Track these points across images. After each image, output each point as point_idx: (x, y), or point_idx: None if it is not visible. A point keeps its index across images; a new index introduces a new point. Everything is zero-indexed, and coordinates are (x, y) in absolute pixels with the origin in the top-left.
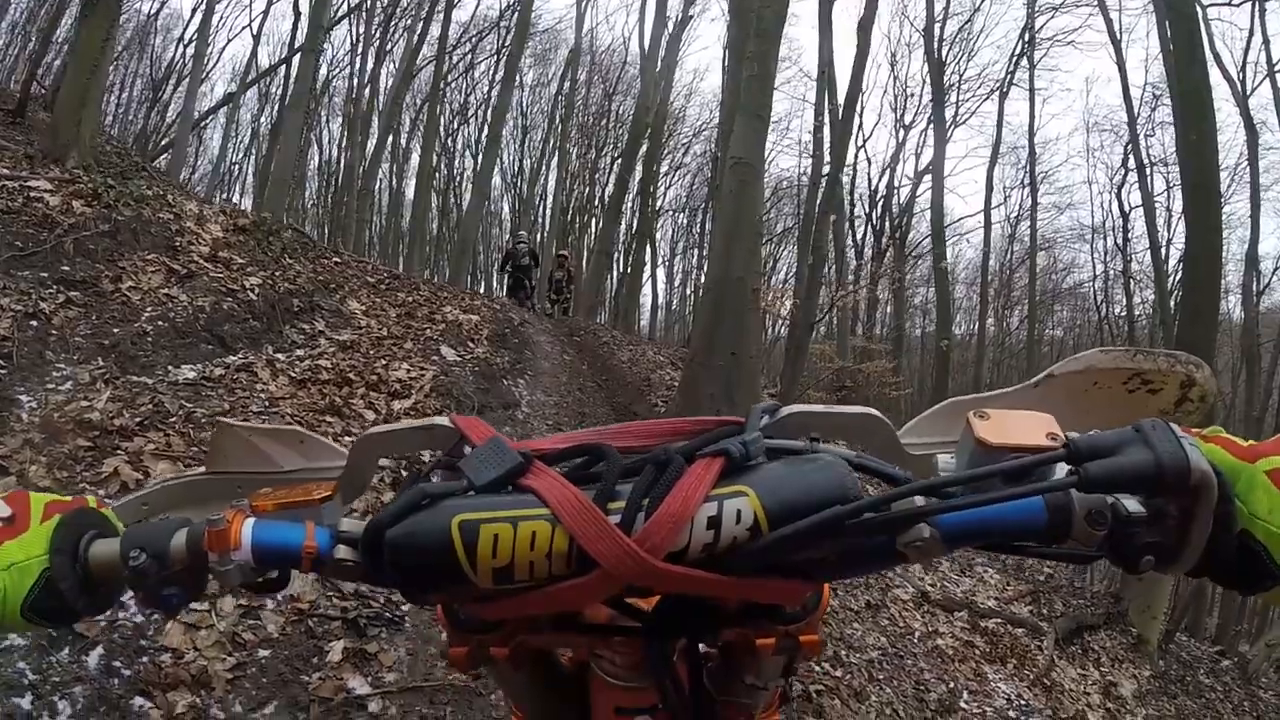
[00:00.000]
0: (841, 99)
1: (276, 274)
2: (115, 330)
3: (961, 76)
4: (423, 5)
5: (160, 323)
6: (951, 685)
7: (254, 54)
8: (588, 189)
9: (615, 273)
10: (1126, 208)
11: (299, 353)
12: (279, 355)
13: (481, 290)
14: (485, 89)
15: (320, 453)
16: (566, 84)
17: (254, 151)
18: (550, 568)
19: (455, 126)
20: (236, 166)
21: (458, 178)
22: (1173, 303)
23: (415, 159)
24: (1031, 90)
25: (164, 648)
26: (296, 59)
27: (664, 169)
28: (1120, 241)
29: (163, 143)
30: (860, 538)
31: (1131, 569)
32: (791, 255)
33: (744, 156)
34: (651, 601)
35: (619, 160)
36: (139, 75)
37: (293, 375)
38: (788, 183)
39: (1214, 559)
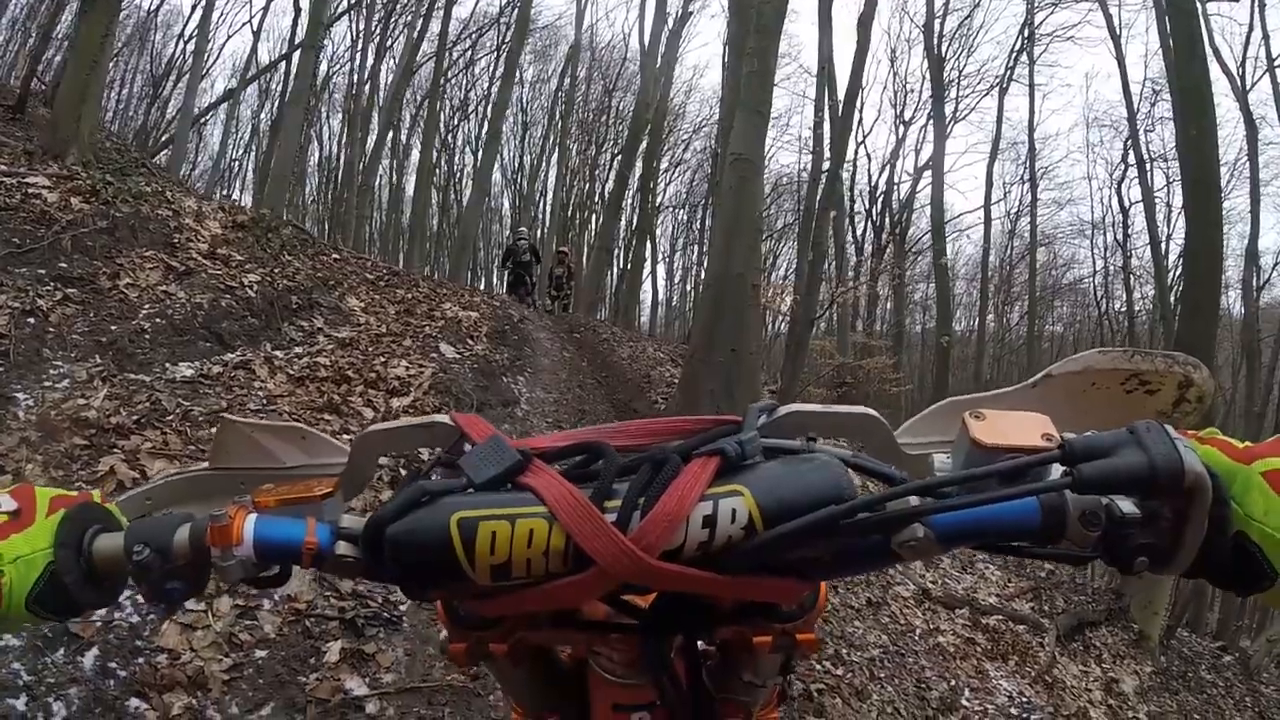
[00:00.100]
0: (841, 95)
1: (275, 271)
2: (113, 327)
3: (961, 72)
4: (423, 1)
5: (158, 320)
6: (953, 683)
7: (254, 50)
8: (588, 185)
9: (615, 269)
10: (1126, 203)
11: (297, 350)
12: (277, 352)
13: (481, 286)
14: (485, 85)
15: (322, 449)
16: (566, 80)
17: (254, 148)
18: (547, 565)
19: (455, 123)
20: (237, 163)
21: (458, 174)
22: (1173, 298)
23: (415, 155)
24: (1031, 86)
25: (160, 648)
26: (296, 55)
27: (664, 165)
28: (1120, 237)
29: (163, 139)
30: (855, 537)
31: (1126, 570)
32: (791, 251)
33: (744, 152)
34: (649, 599)
35: (619, 156)
36: (139, 71)
37: (291, 373)
38: (788, 179)
39: (1209, 560)
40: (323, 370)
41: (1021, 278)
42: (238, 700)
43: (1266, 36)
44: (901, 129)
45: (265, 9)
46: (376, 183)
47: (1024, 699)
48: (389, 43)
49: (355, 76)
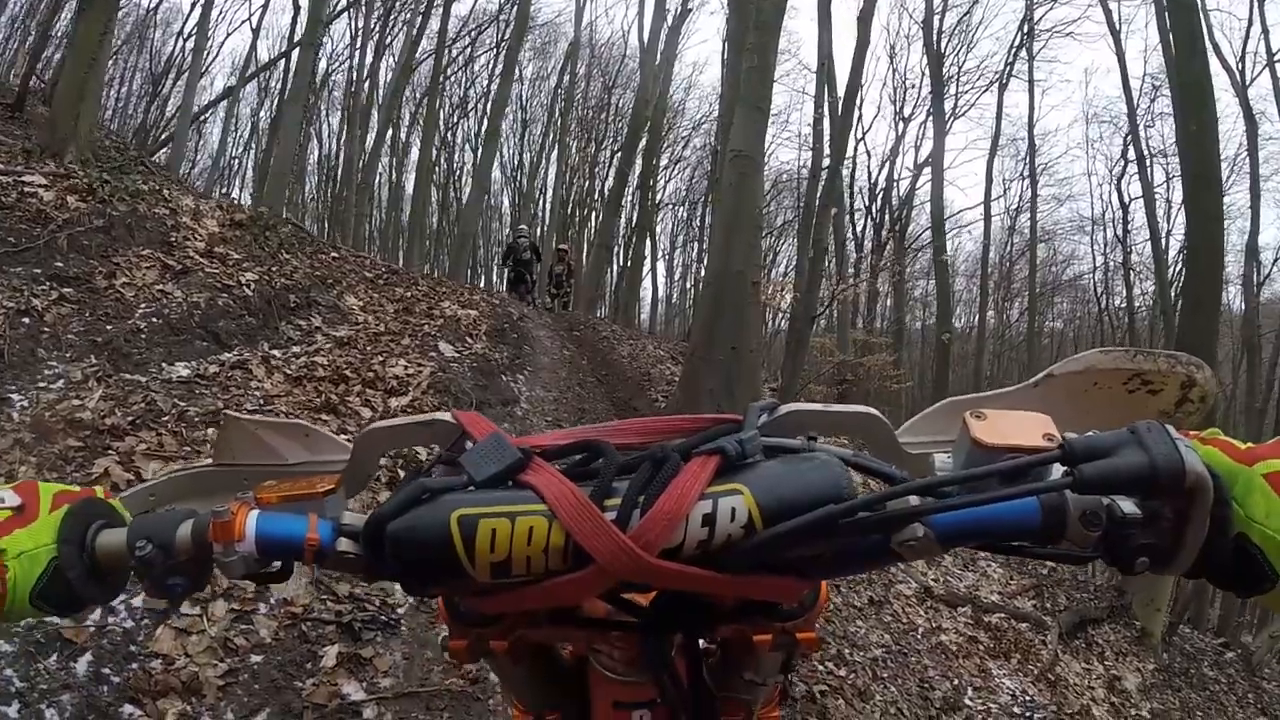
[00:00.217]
0: (841, 91)
1: (273, 269)
2: (108, 327)
3: (961, 68)
4: None
5: (154, 319)
6: (956, 682)
7: (253, 48)
8: (587, 182)
9: (615, 266)
10: (1126, 199)
11: (295, 349)
12: (275, 352)
13: (481, 284)
14: (485, 83)
15: (324, 446)
16: (566, 77)
17: (254, 146)
18: (547, 563)
19: (455, 120)
20: (236, 161)
21: (457, 171)
22: (1173, 293)
23: (415, 153)
24: (1031, 82)
25: (154, 654)
26: (296, 53)
27: (663, 162)
28: (1120, 233)
29: (162, 137)
30: (855, 536)
31: (1126, 570)
32: (791, 248)
33: (744, 149)
34: (649, 597)
35: (618, 154)
36: (139, 69)
37: (288, 372)
38: (787, 175)
39: (1210, 561)
40: (320, 370)
41: (1021, 274)
42: (233, 706)
43: (1266, 31)
44: (901, 125)
45: (264, 6)
46: (376, 180)
47: (1027, 697)
48: (388, 40)
49: (354, 74)
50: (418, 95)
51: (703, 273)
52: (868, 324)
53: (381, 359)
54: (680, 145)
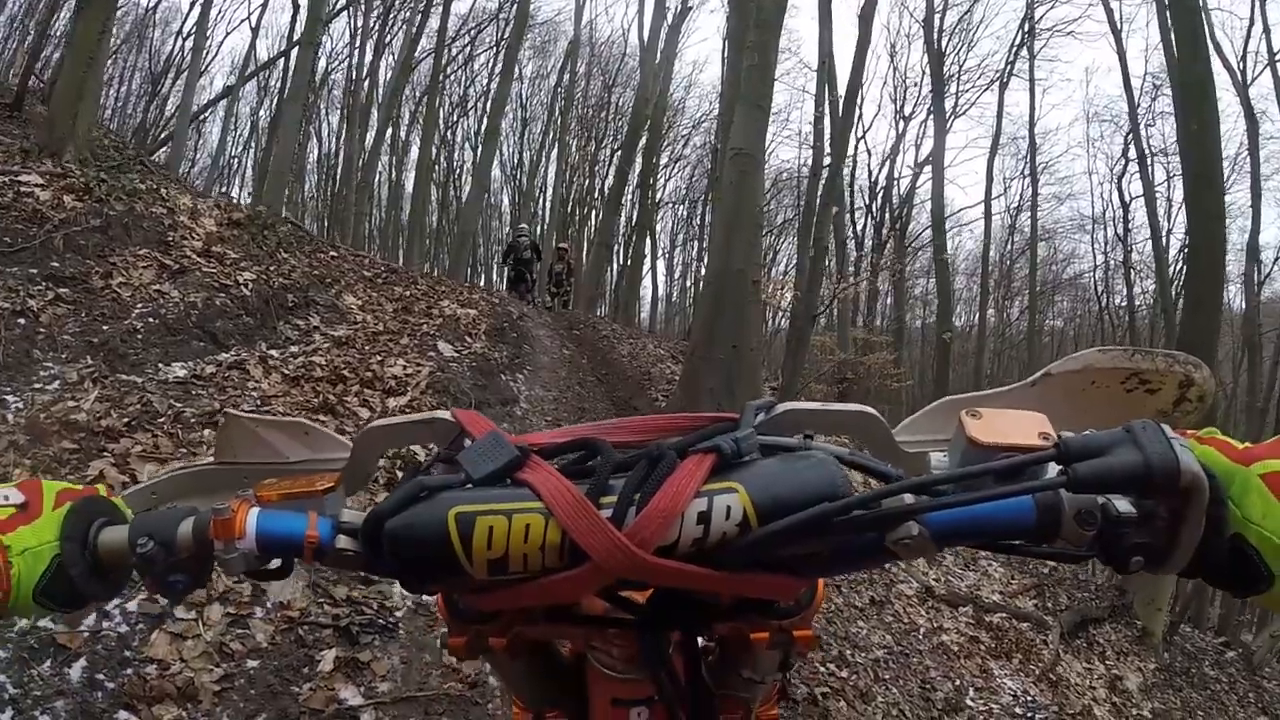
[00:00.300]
0: (841, 90)
1: (271, 269)
2: (105, 328)
3: (961, 67)
4: None
5: (151, 320)
6: (958, 683)
7: (252, 47)
8: (587, 181)
9: (615, 265)
10: (1127, 198)
11: (293, 349)
12: (272, 352)
13: (481, 283)
14: (484, 81)
15: (324, 444)
16: (566, 76)
17: (253, 145)
18: (544, 560)
19: (454, 119)
20: (236, 160)
21: (457, 170)
22: (1174, 291)
23: (414, 152)
24: (1031, 81)
25: (149, 659)
26: (295, 52)
27: (663, 161)
28: (1121, 231)
29: (162, 136)
30: (849, 535)
31: (1121, 569)
32: (791, 247)
33: (744, 147)
34: (646, 595)
35: (618, 152)
36: (138, 69)
37: (286, 372)
38: (787, 174)
39: (1206, 561)
40: (318, 370)
41: (1022, 273)
42: (229, 712)
43: (1267, 30)
44: (901, 124)
45: (264, 6)
46: (375, 179)
47: (1029, 698)
48: (388, 39)
49: (354, 73)
50: (417, 94)
51: (703, 271)
52: (868, 322)
53: (380, 359)
54: (680, 143)
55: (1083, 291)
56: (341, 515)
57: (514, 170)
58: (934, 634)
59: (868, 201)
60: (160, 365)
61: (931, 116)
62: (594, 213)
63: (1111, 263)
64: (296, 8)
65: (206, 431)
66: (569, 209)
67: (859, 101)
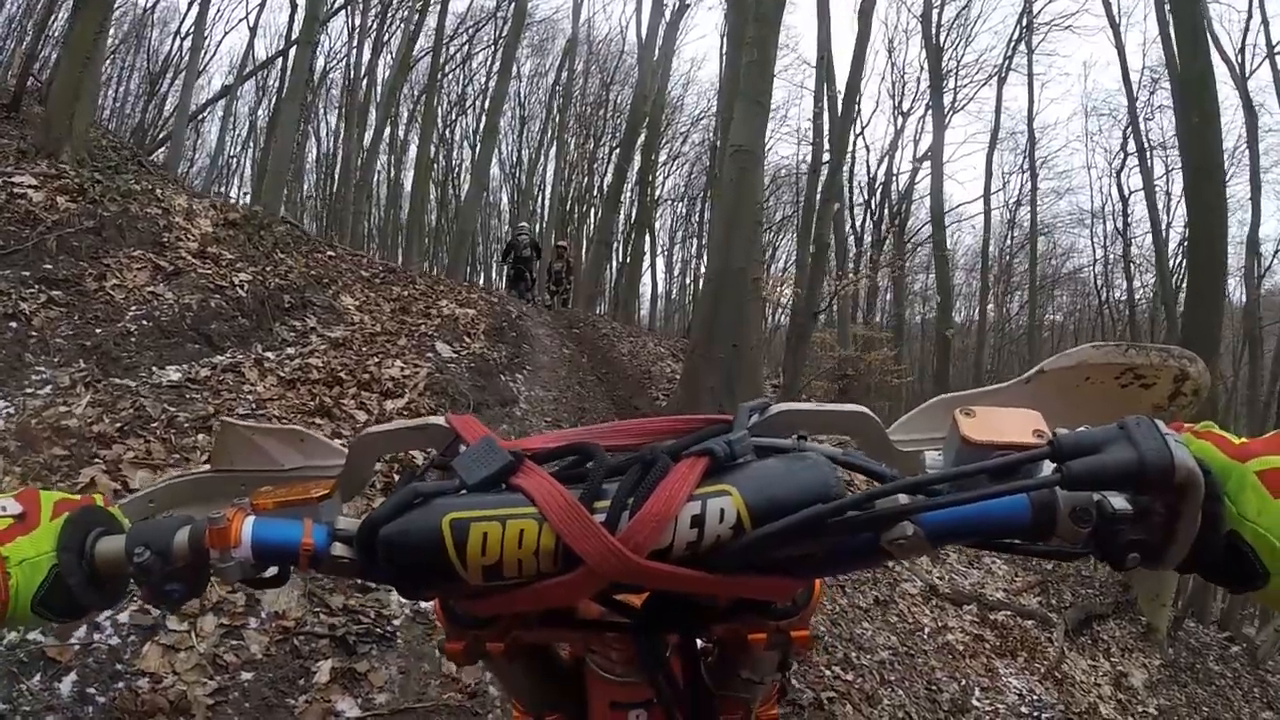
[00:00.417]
0: (840, 86)
1: (267, 269)
2: (98, 331)
3: (959, 62)
4: None
5: (145, 322)
6: (963, 683)
7: (251, 46)
8: (586, 179)
9: (614, 262)
10: (1126, 191)
11: (289, 351)
12: (268, 354)
13: (481, 281)
14: (483, 80)
15: (320, 451)
16: (564, 74)
17: (251, 144)
18: (538, 565)
19: (453, 118)
20: (234, 160)
21: (456, 169)
22: (1174, 285)
23: (413, 150)
24: (1030, 75)
25: (141, 672)
26: (293, 51)
27: (662, 158)
28: (1120, 225)
29: (160, 136)
30: (844, 536)
31: (1117, 566)
32: (791, 243)
33: (744, 144)
34: (642, 598)
35: (617, 150)
36: (136, 69)
37: (282, 375)
38: (786, 171)
39: (1202, 557)
40: (315, 372)
41: (1021, 267)
42: None
43: (1266, 22)
44: (900, 120)
45: (262, 5)
46: (374, 178)
47: (1034, 697)
48: (385, 38)
49: (352, 72)
50: (415, 93)
51: (702, 269)
52: (868, 319)
53: (377, 360)
54: (679, 141)
55: (1082, 286)
56: (337, 522)
57: (513, 168)
58: (939, 633)
59: (867, 197)
60: (154, 369)
61: (930, 112)
62: (593, 210)
63: (1111, 257)
64: (294, 7)
65: (200, 436)
66: (568, 207)
67: (858, 97)
